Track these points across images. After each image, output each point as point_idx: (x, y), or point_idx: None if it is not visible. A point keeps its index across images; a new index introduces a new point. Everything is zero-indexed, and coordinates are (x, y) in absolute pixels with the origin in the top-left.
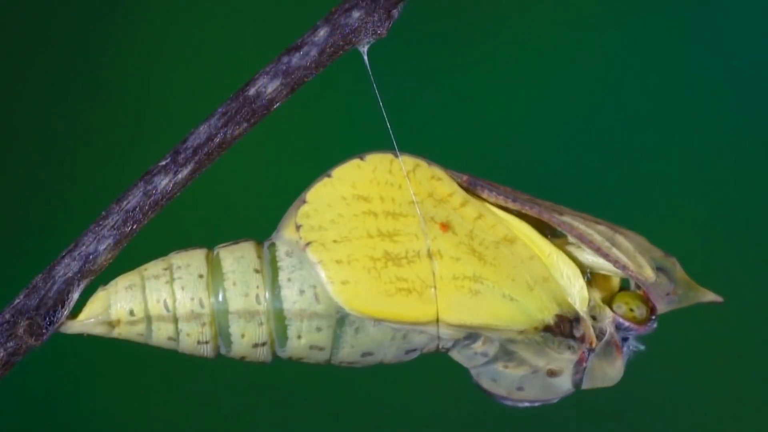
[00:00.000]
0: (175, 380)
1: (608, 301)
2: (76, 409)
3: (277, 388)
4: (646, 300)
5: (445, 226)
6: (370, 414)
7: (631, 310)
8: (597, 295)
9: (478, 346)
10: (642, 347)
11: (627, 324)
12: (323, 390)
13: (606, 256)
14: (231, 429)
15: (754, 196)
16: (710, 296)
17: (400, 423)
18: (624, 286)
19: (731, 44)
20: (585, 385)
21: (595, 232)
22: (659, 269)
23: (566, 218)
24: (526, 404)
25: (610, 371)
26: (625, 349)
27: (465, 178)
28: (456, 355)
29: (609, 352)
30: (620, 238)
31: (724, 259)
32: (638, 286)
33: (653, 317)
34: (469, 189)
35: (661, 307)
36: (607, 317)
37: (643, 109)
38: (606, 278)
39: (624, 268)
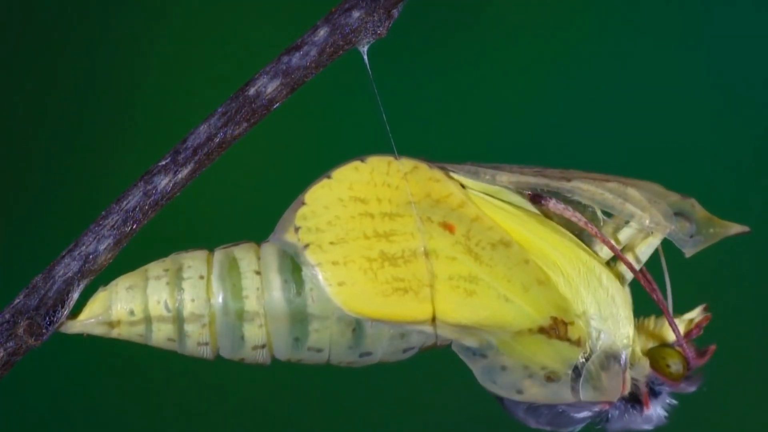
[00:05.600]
0: (176, 380)
1: (646, 353)
2: (76, 410)
3: (276, 387)
4: (684, 358)
5: (451, 227)
6: (370, 411)
7: (668, 365)
8: (638, 346)
9: (476, 346)
10: (675, 402)
11: (660, 378)
12: (323, 388)
13: (620, 212)
14: (230, 427)
15: (753, 189)
16: (736, 228)
17: (402, 420)
18: (668, 344)
19: (726, 35)
20: (583, 397)
21: (606, 191)
22: (678, 214)
23: (575, 183)
24: (540, 426)
25: (609, 384)
26: (657, 402)
27: (490, 173)
28: (459, 354)
29: (634, 404)
30: (632, 191)
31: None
32: (679, 344)
33: (689, 377)
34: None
35: (689, 250)
36: (644, 368)
37: (644, 103)
38: (653, 332)
39: (640, 222)
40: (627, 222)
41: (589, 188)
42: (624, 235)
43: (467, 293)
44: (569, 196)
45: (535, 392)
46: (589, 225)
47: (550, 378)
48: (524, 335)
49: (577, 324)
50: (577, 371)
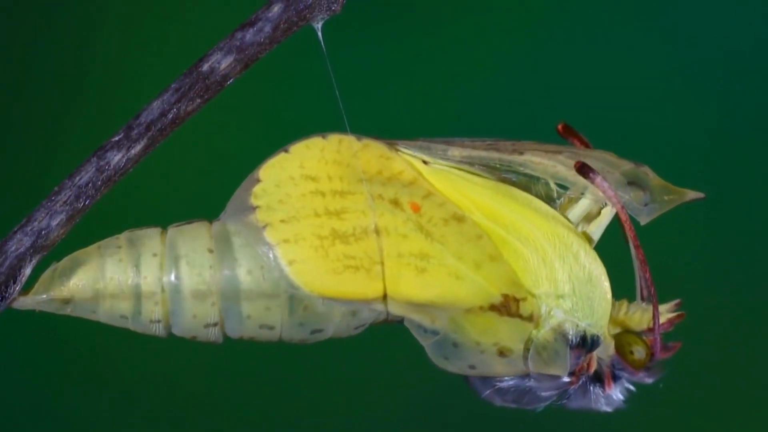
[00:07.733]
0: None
1: (613, 336)
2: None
3: (236, 368)
4: (648, 348)
5: (415, 205)
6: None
7: (632, 352)
8: (607, 326)
9: (428, 323)
10: (633, 389)
11: (621, 363)
12: (291, 368)
13: (573, 185)
14: (189, 410)
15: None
16: (690, 195)
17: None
18: (636, 331)
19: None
20: (532, 368)
21: (558, 163)
22: (631, 183)
23: (527, 156)
24: (506, 404)
25: (555, 364)
26: (617, 386)
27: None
28: (411, 330)
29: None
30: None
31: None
32: (647, 334)
33: (650, 369)
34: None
35: (644, 218)
36: (608, 348)
37: (610, 78)
38: (623, 317)
39: (594, 194)
40: (582, 194)
41: (541, 161)
42: (580, 207)
43: (418, 271)
44: (522, 169)
45: (487, 368)
46: (624, 211)
47: (502, 353)
48: (475, 312)
49: (529, 300)
50: (530, 346)
